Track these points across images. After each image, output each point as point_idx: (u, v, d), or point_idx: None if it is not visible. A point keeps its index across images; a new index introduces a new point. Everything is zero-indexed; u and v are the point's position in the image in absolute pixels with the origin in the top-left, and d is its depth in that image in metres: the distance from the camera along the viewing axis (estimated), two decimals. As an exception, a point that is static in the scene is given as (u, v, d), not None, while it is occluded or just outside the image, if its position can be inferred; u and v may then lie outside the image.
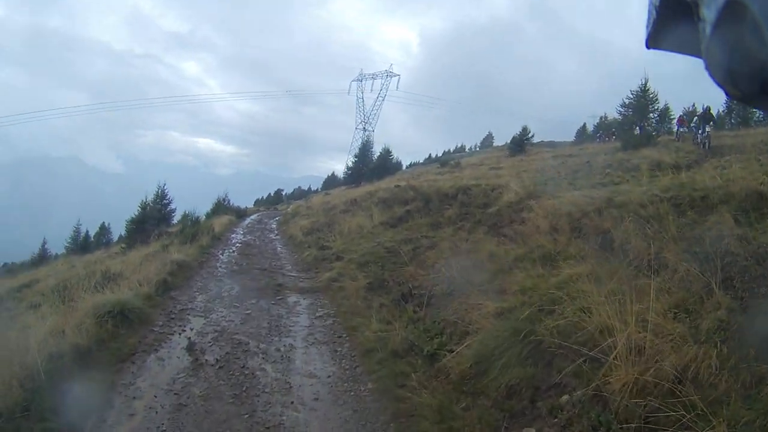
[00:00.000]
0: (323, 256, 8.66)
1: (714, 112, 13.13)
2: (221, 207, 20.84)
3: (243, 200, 36.17)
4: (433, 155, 45.52)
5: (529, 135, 26.13)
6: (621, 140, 16.26)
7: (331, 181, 43.39)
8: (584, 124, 33.99)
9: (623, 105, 20.70)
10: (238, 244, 11.34)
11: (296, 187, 53.09)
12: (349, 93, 54.26)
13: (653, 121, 20.37)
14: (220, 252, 9.96)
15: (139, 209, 16.33)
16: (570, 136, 32.84)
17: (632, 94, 20.15)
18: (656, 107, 20.39)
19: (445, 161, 27.77)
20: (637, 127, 19.59)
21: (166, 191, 17.30)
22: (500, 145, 38.71)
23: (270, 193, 49.87)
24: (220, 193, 22.31)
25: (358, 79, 53.98)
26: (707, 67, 0.47)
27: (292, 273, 8.01)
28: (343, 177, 33.70)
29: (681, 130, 15.45)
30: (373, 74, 53.45)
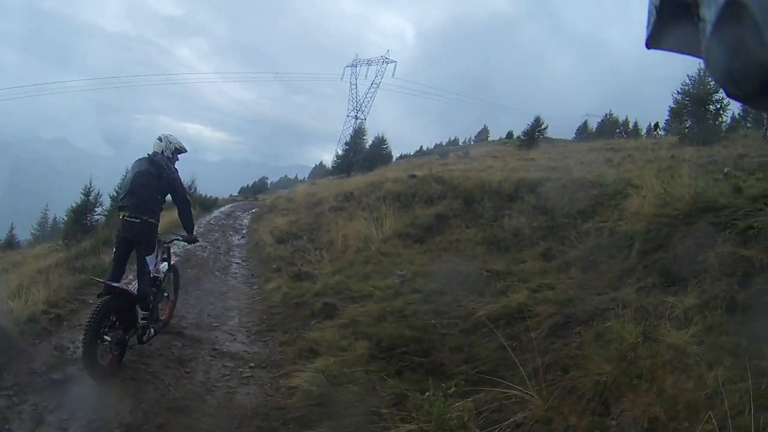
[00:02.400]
0: (300, 298, 5.12)
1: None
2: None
3: (228, 188, 34.38)
4: (424, 148, 43.39)
5: (543, 127, 24.69)
6: (681, 134, 15.42)
7: (319, 171, 42.28)
8: (585, 122, 35.71)
9: (680, 92, 18.74)
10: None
11: (282, 175, 50.58)
12: (342, 78, 51.26)
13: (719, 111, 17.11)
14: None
15: (82, 196, 12.73)
16: (569, 135, 33.65)
17: (690, 80, 17.35)
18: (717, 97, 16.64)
19: (445, 152, 26.78)
20: (689, 121, 17.96)
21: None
22: (496, 139, 38.71)
23: (255, 181, 46.16)
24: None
25: (352, 65, 50.78)
26: (707, 67, 0.47)
27: (231, 346, 4.15)
28: (332, 166, 31.54)
29: None
30: (369, 60, 50.26)
